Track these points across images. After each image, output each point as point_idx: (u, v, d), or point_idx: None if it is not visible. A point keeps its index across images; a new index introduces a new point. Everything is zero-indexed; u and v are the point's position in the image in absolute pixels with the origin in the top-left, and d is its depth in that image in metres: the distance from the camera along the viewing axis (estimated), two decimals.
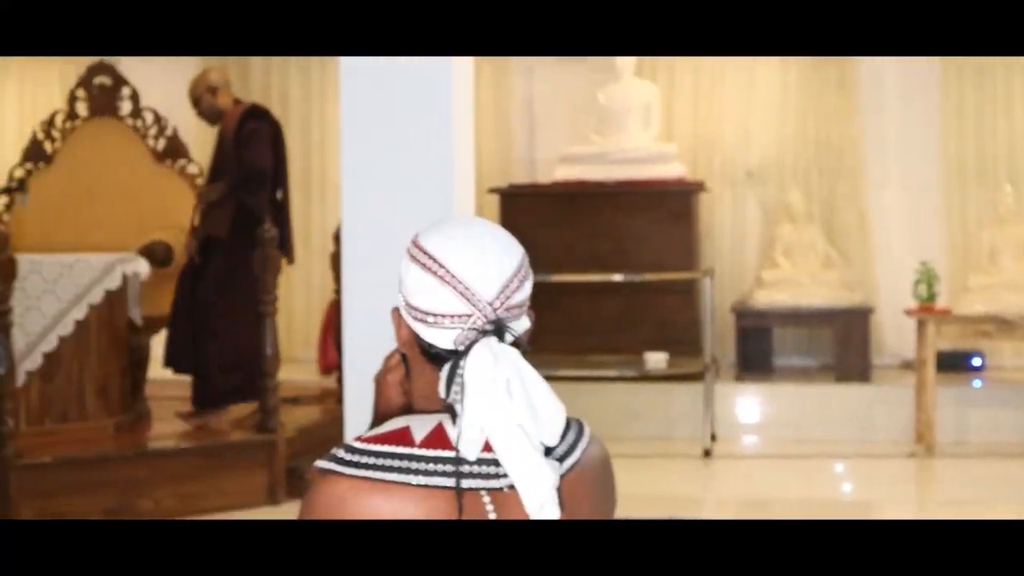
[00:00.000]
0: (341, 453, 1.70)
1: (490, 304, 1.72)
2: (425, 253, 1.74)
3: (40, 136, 7.83)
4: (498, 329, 1.72)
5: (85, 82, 7.68)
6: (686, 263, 8.44)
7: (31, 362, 5.83)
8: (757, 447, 7.82)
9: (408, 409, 1.87)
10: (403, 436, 1.70)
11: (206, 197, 6.55)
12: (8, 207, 7.73)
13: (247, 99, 9.91)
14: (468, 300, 1.72)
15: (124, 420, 6.26)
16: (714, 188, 9.15)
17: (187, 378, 7.45)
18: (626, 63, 9.01)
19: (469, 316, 1.72)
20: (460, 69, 4.29)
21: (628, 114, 9.07)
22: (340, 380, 7.19)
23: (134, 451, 5.98)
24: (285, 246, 6.66)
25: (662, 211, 8.69)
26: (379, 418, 1.93)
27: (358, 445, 1.70)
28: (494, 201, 8.79)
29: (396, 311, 1.81)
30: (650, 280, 8.05)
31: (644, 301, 8.50)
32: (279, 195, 6.72)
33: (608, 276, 7.85)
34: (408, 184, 4.21)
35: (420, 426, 1.71)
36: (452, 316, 1.72)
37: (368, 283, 4.27)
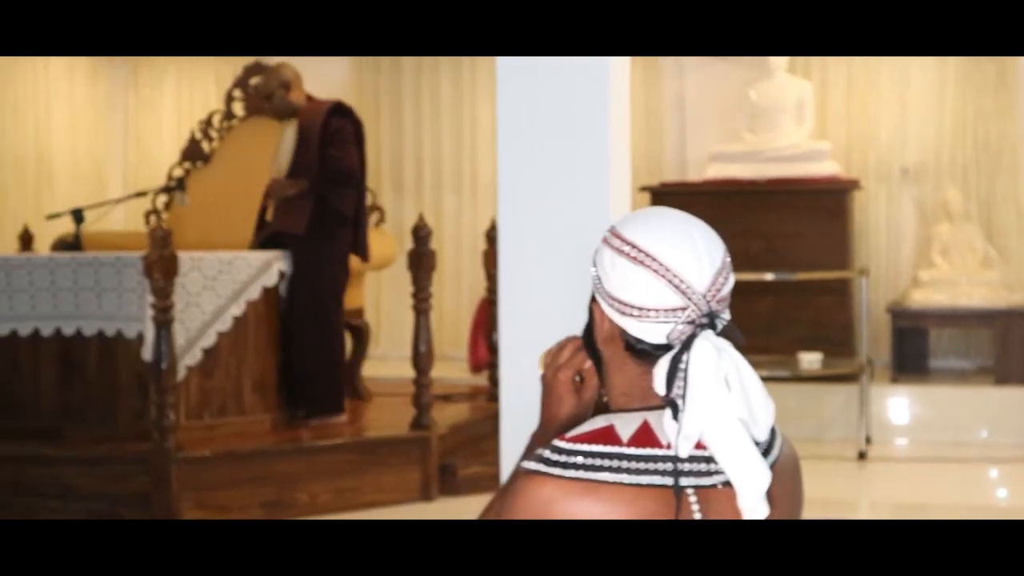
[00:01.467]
0: (548, 453, 1.65)
1: (703, 296, 1.68)
2: (633, 246, 1.70)
3: (198, 136, 7.99)
4: (711, 322, 1.69)
5: (241, 82, 7.82)
6: (840, 262, 8.31)
7: (191, 357, 5.95)
8: (912, 450, 7.67)
9: (601, 408, 1.83)
10: (609, 435, 1.66)
11: (281, 192, 6.50)
12: (168, 206, 7.90)
13: (402, 100, 10.04)
14: (683, 293, 1.67)
15: (280, 416, 6.35)
16: (868, 186, 9.00)
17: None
18: (779, 60, 8.90)
19: (683, 309, 1.67)
20: (617, 69, 4.27)
21: (781, 111, 8.96)
22: (491, 378, 7.24)
23: (290, 446, 6.06)
24: (360, 245, 6.64)
25: (815, 210, 8.57)
26: (550, 417, 1.90)
27: (564, 445, 1.65)
28: (645, 200, 8.75)
29: (596, 305, 1.76)
30: (803, 279, 7.94)
31: (797, 301, 8.39)
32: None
33: (760, 275, 7.76)
34: (564, 183, 4.21)
35: (624, 424, 1.67)
36: (665, 310, 1.68)
37: (524, 281, 4.27)
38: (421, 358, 6.28)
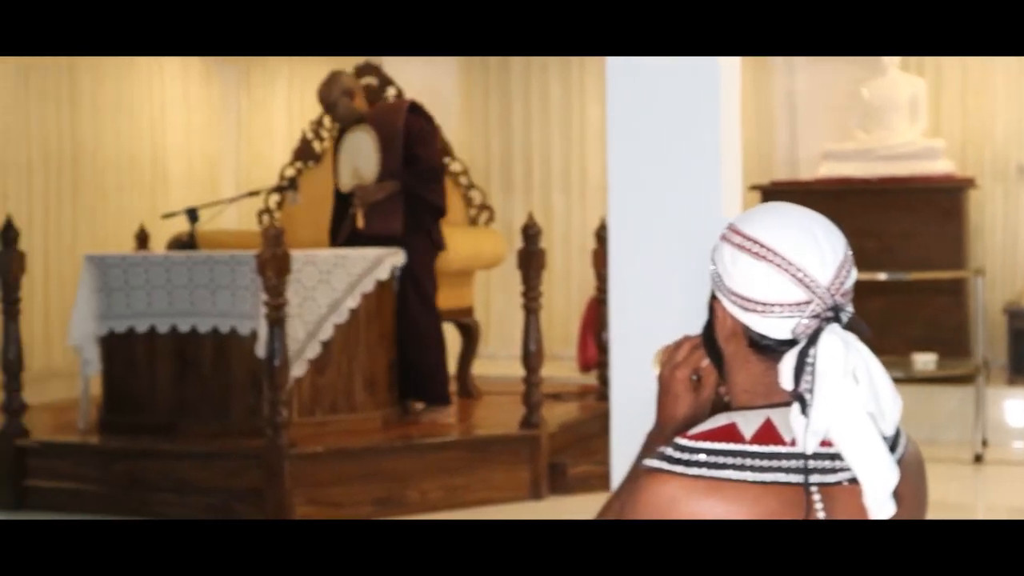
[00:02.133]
0: (670, 451, 1.64)
1: (827, 289, 1.66)
2: (754, 241, 1.69)
3: (309, 136, 8.07)
4: (836, 315, 1.67)
5: None
6: (955, 262, 8.17)
7: (311, 350, 6.01)
8: None
9: (719, 406, 1.82)
10: (731, 432, 1.64)
11: (372, 197, 6.60)
12: (280, 205, 7.99)
13: (511, 101, 10.05)
14: (807, 287, 1.66)
15: (391, 413, 6.40)
16: (984, 184, 8.85)
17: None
18: (892, 57, 8.78)
19: (808, 303, 1.66)
20: (727, 67, 4.25)
21: (893, 109, 8.84)
22: (600, 377, 7.23)
23: (401, 443, 6.10)
24: (440, 243, 6.78)
25: (929, 208, 8.44)
26: (667, 416, 1.89)
27: (687, 443, 1.64)
28: (756, 198, 8.68)
29: (717, 302, 1.76)
30: (917, 279, 7.84)
31: (910, 301, 8.28)
32: None
33: (873, 275, 7.66)
34: (675, 182, 4.19)
35: (747, 422, 1.65)
36: (789, 305, 1.66)
37: (634, 280, 4.26)
38: (531, 357, 6.29)
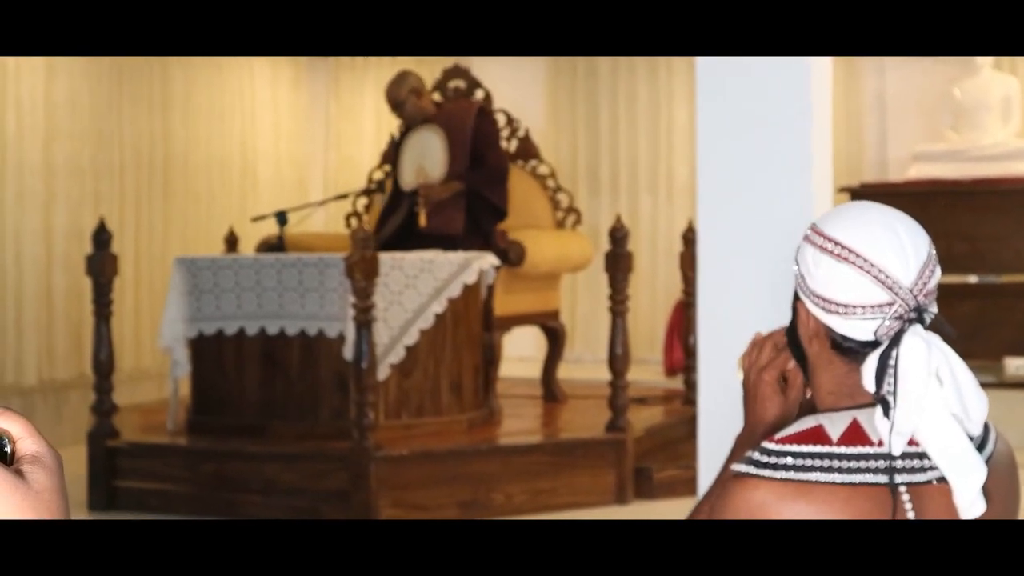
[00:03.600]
0: (757, 455, 1.63)
1: (910, 290, 1.64)
2: (835, 242, 1.67)
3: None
4: (919, 316, 1.65)
5: (440, 85, 7.89)
6: None
7: (395, 355, 6.03)
8: None
9: (807, 408, 1.80)
10: (818, 435, 1.63)
11: (436, 196, 6.64)
12: (368, 208, 8.02)
13: (598, 103, 10.04)
14: (889, 288, 1.64)
15: (477, 416, 6.40)
16: None
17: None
18: (984, 57, 8.66)
19: (890, 305, 1.64)
20: (818, 68, 4.20)
21: (985, 109, 8.71)
22: (687, 381, 7.19)
23: (487, 446, 6.10)
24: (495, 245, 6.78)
25: (1021, 210, 8.31)
26: (756, 420, 1.87)
27: (773, 447, 1.63)
28: (845, 201, 8.59)
29: (801, 304, 1.74)
30: (1008, 282, 7.72)
31: (1003, 304, 8.15)
32: None
33: (964, 278, 7.56)
34: (764, 183, 4.16)
35: (833, 423, 1.64)
36: (872, 306, 1.65)
37: (723, 283, 4.23)
38: (617, 360, 6.27)
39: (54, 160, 8.45)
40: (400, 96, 6.86)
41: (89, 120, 8.71)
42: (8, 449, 0.91)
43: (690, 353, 6.94)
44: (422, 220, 6.64)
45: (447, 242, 6.54)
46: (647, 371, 9.04)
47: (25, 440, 0.92)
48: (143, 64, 9.18)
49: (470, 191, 6.66)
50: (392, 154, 7.19)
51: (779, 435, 1.65)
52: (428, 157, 6.78)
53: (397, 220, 6.78)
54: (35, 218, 8.29)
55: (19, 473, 0.90)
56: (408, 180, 6.85)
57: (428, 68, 10.19)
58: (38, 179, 8.32)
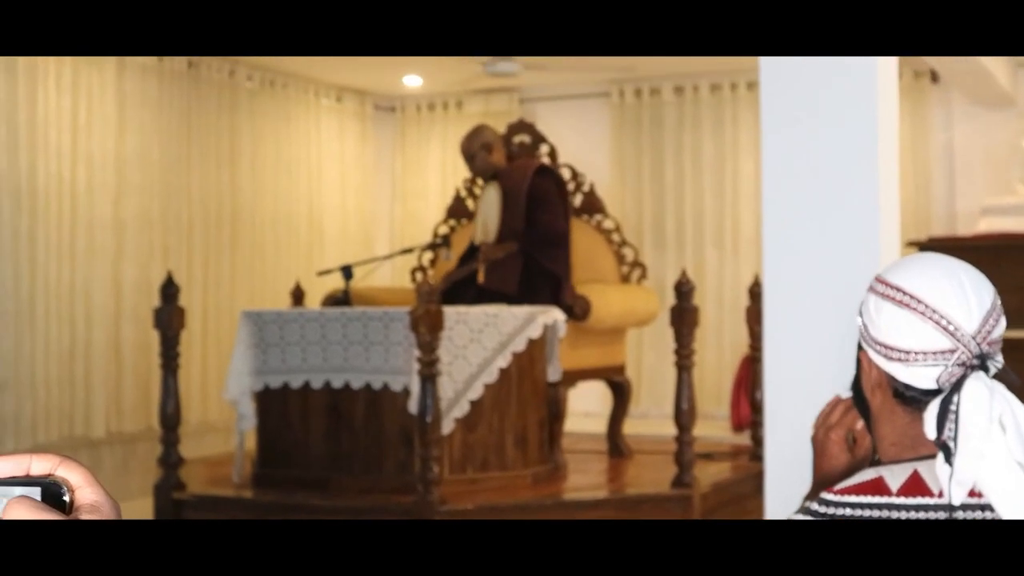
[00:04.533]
0: (815, 506, 1.62)
1: (973, 338, 1.62)
2: (899, 290, 1.66)
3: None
4: (982, 364, 1.63)
5: (506, 140, 7.91)
6: None
7: (459, 409, 6.02)
8: None
9: (864, 462, 1.79)
10: (878, 486, 1.61)
11: (492, 255, 6.67)
12: (433, 262, 8.04)
13: (663, 157, 10.04)
14: (951, 334, 1.62)
15: (542, 471, 6.37)
16: None
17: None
18: None
19: (952, 352, 1.62)
20: (885, 120, 4.18)
21: None
22: (754, 437, 7.12)
23: (552, 501, 6.06)
24: (567, 302, 6.70)
25: None
26: (823, 477, 1.86)
27: (832, 497, 1.61)
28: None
29: (863, 354, 1.73)
30: None
31: None
32: None
33: None
34: (831, 237, 4.13)
35: (894, 475, 1.62)
36: (934, 353, 1.63)
37: (790, 338, 4.19)
38: (683, 415, 6.22)
39: (124, 214, 8.55)
40: (471, 150, 6.91)
41: (158, 175, 8.81)
42: (67, 498, 0.91)
43: (757, 408, 6.88)
44: (480, 276, 6.67)
45: (502, 300, 6.55)
46: (714, 426, 8.97)
47: (84, 489, 0.93)
48: (212, 119, 9.29)
49: (525, 252, 6.65)
50: (458, 206, 7.22)
51: (839, 486, 1.64)
52: (489, 214, 6.82)
53: (463, 272, 6.81)
54: (105, 271, 8.39)
55: None
56: (477, 234, 6.90)
57: (494, 123, 10.25)
58: (108, 233, 8.43)
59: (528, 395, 6.31)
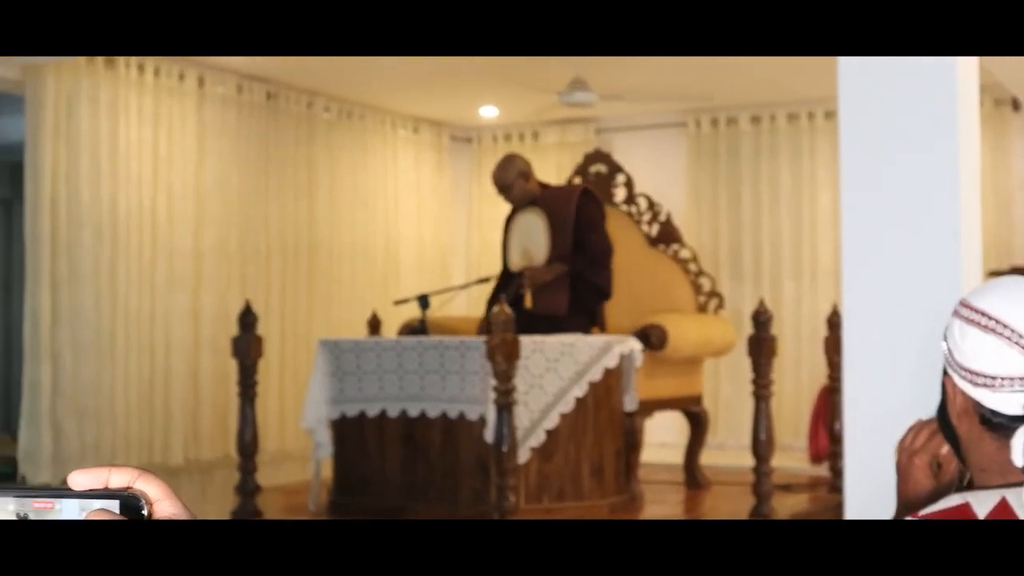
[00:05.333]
0: None
1: None
2: (981, 313, 1.63)
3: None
4: None
5: (582, 170, 7.91)
6: None
7: (535, 438, 6.00)
8: None
9: (949, 488, 1.75)
10: (963, 512, 1.57)
11: (541, 279, 6.67)
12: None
13: (740, 188, 9.99)
14: None
15: (618, 501, 6.34)
16: None
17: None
18: None
19: None
20: (966, 147, 4.13)
21: None
22: (833, 468, 7.04)
23: None
24: (600, 322, 6.85)
25: None
26: (906, 503, 1.83)
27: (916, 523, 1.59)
28: None
29: (949, 380, 1.70)
30: None
31: None
32: None
33: None
34: (912, 267, 4.07)
35: (980, 501, 1.58)
36: (1020, 378, 1.59)
37: (870, 368, 4.14)
38: (761, 445, 6.17)
39: (203, 244, 8.64)
40: (508, 179, 6.91)
41: (237, 205, 8.90)
42: (145, 512, 0.92)
43: (836, 439, 6.81)
44: (527, 301, 6.67)
45: (552, 322, 6.57)
46: (792, 458, 8.89)
47: (162, 502, 0.93)
48: (290, 150, 9.37)
49: (573, 273, 6.69)
50: (502, 235, 7.20)
51: (923, 512, 1.61)
52: (532, 240, 6.81)
53: (507, 299, 6.79)
54: (184, 301, 8.47)
55: None
56: (515, 261, 6.90)
57: (570, 153, 10.26)
58: (187, 263, 8.51)
59: (604, 425, 6.28)
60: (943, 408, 1.74)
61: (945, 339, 1.71)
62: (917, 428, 1.86)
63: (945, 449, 1.80)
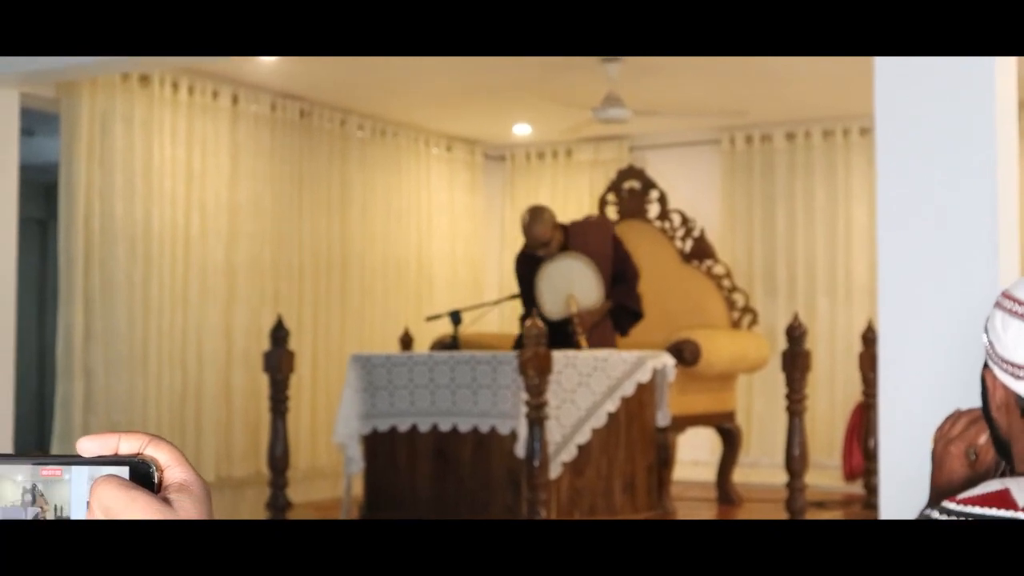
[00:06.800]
0: (936, 515, 1.55)
1: None
2: None
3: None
4: None
5: (615, 187, 7.90)
6: None
7: (567, 453, 5.98)
8: None
9: (984, 478, 1.72)
10: (1003, 499, 1.53)
11: (593, 322, 6.66)
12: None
13: (774, 204, 9.96)
14: None
15: (650, 517, 6.30)
16: None
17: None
18: None
19: None
20: (1004, 163, 4.09)
21: None
22: (867, 485, 6.99)
23: None
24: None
25: None
26: (939, 491, 1.80)
27: (954, 506, 1.54)
28: None
29: (989, 373, 1.67)
30: None
31: None
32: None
33: None
34: (949, 283, 4.03)
35: (1021, 488, 1.54)
36: None
37: (905, 385, 4.10)
38: (795, 460, 6.13)
39: (236, 260, 8.65)
40: (547, 235, 6.72)
41: (270, 222, 8.92)
42: (156, 478, 0.91)
43: (870, 457, 6.75)
44: (584, 344, 6.55)
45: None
46: (825, 476, 8.82)
47: (173, 468, 0.92)
48: (323, 168, 9.39)
49: (615, 304, 6.75)
50: (528, 283, 6.95)
51: (961, 496, 1.57)
52: (578, 285, 6.65)
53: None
54: (216, 316, 8.49)
55: (166, 501, 0.89)
56: (555, 309, 6.71)
57: (604, 170, 10.25)
58: (220, 279, 8.53)
59: (637, 440, 6.25)
60: (986, 403, 1.71)
61: (986, 331, 1.67)
62: (955, 417, 1.83)
63: (983, 439, 1.77)
